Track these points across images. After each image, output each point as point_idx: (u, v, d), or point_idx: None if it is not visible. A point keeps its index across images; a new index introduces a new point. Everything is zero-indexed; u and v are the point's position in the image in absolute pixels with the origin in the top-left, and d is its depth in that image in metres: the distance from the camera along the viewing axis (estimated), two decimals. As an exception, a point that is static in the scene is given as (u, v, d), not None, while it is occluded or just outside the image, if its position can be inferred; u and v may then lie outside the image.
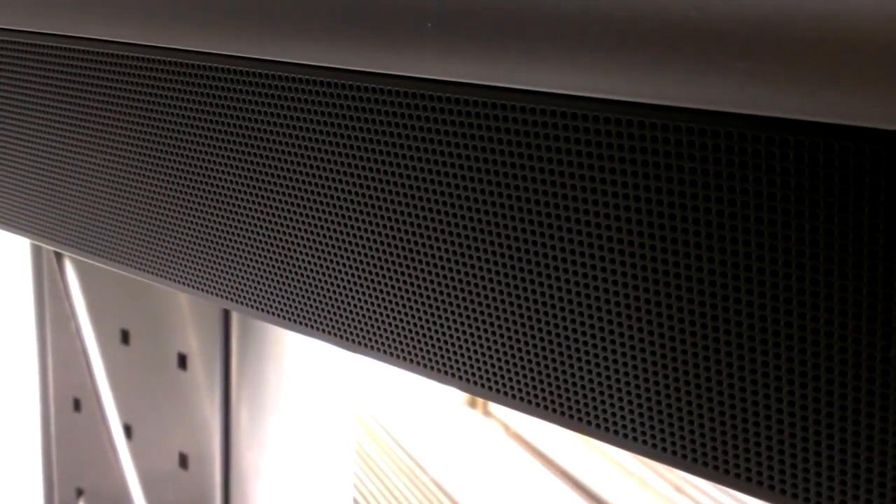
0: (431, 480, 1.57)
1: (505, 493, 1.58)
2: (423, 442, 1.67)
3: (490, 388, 0.31)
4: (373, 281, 0.32)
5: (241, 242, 0.36)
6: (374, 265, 0.32)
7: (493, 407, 1.74)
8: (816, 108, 0.19)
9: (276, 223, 0.34)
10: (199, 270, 0.39)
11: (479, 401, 1.76)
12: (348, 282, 0.33)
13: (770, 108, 0.19)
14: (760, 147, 0.21)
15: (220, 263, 0.38)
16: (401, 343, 0.33)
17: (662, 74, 0.20)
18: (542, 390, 0.30)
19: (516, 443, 1.67)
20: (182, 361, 0.72)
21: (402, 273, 0.31)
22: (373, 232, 0.31)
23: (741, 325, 0.23)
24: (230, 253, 0.37)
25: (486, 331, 0.30)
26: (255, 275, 0.36)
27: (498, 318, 0.29)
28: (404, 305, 0.32)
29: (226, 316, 0.69)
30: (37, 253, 0.83)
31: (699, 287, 0.24)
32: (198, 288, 0.40)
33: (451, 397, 1.78)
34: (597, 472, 1.53)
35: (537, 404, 0.30)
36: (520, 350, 0.29)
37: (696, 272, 0.23)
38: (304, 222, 0.33)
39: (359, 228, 0.31)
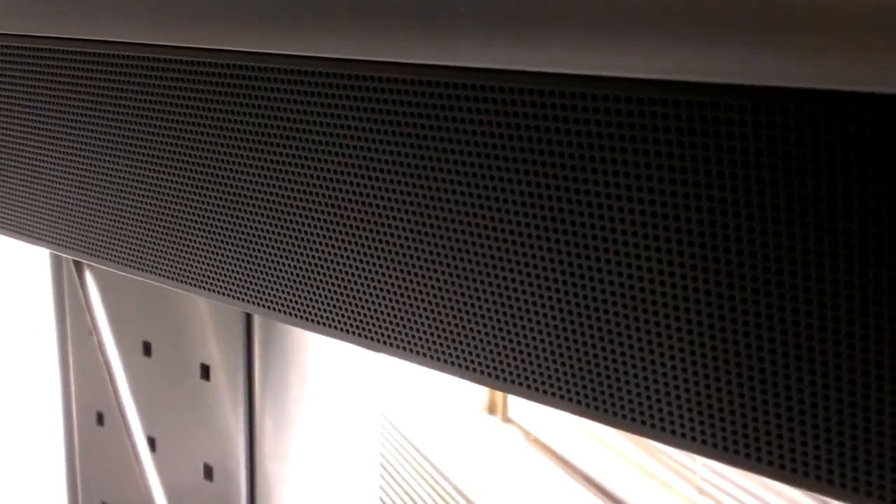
0: (453, 487, 1.56)
1: (526, 498, 1.57)
2: (443, 449, 1.66)
3: (522, 384, 0.31)
4: (400, 277, 0.32)
5: (264, 243, 0.36)
6: (403, 261, 0.31)
7: (513, 413, 1.73)
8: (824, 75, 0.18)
9: (298, 222, 0.34)
10: (222, 274, 0.39)
11: (499, 407, 1.76)
12: (373, 279, 0.33)
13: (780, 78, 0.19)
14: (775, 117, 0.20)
15: (242, 266, 0.37)
16: (427, 340, 0.33)
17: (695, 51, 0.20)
18: (572, 383, 0.29)
19: (537, 448, 1.66)
20: (205, 372, 0.72)
21: (431, 268, 0.31)
22: (401, 227, 0.30)
23: (797, 313, 0.23)
24: (253, 254, 0.37)
25: (520, 326, 0.29)
26: (279, 276, 0.36)
27: (535, 312, 0.29)
28: (432, 302, 0.31)
29: (248, 325, 0.68)
30: (57, 267, 0.83)
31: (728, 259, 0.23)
32: (220, 292, 0.39)
33: (469, 404, 1.78)
34: (619, 476, 1.52)
35: (569, 399, 0.30)
36: (552, 343, 0.29)
37: (712, 251, 0.23)
38: (327, 221, 0.33)
39: (385, 224, 0.31)
